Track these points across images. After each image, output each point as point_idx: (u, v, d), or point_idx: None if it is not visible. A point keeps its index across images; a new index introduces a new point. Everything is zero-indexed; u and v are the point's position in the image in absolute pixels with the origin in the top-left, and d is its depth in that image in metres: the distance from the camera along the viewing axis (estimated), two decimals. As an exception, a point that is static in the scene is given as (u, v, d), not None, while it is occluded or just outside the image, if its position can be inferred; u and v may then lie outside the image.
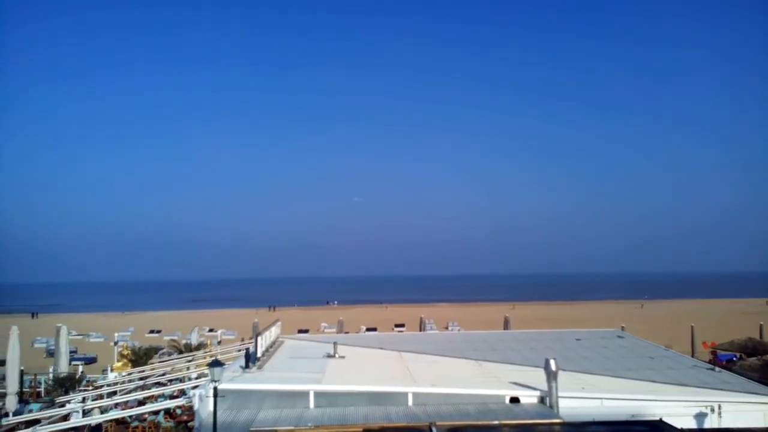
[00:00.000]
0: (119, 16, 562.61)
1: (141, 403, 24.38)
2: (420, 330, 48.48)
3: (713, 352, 37.11)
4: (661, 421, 14.37)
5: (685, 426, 14.52)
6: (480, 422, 14.80)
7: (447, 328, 62.16)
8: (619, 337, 27.48)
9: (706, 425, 15.94)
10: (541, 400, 16.52)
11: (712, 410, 16.20)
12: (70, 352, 38.09)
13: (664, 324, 65.33)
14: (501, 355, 23.21)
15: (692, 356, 30.34)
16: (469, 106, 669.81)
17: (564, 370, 17.74)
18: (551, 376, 16.01)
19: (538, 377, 17.03)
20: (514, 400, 16.72)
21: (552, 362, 15.97)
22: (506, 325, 42.27)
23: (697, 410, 16.18)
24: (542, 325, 54.98)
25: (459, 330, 54.74)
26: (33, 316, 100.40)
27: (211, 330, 63.70)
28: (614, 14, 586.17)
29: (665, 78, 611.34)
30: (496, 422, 14.76)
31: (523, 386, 17.22)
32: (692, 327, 40.42)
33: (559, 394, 16.00)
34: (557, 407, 15.79)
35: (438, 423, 14.40)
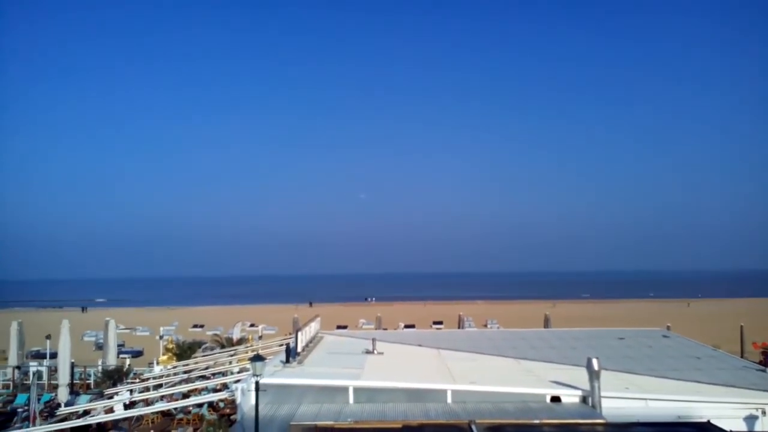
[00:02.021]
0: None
1: (185, 395, 25.03)
2: (458, 327, 48.21)
3: (764, 353, 35.90)
4: (709, 423, 13.96)
5: (734, 429, 14.07)
6: (520, 421, 14.66)
7: (486, 325, 61.58)
8: (665, 336, 26.80)
9: (757, 428, 15.43)
10: (583, 399, 16.26)
11: (763, 413, 15.66)
12: (118, 345, 39.25)
13: (712, 323, 63.31)
14: (541, 353, 22.92)
15: (741, 357, 29.38)
16: (479, 103, 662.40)
17: (607, 369, 17.38)
18: (593, 375, 15.72)
19: (580, 376, 16.75)
20: (555, 399, 16.50)
21: (594, 361, 15.68)
22: (546, 323, 41.69)
23: (746, 413, 15.67)
24: (583, 323, 53.86)
25: (498, 328, 54.18)
26: (83, 311, 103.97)
27: (252, 325, 64.71)
28: (622, 10, 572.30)
29: (673, 75, 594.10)
30: (537, 421, 14.59)
31: (565, 385, 16.97)
32: (741, 326, 39.05)
33: (602, 393, 15.70)
34: (600, 407, 15.51)
35: (478, 421, 14.33)
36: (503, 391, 16.73)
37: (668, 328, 30.96)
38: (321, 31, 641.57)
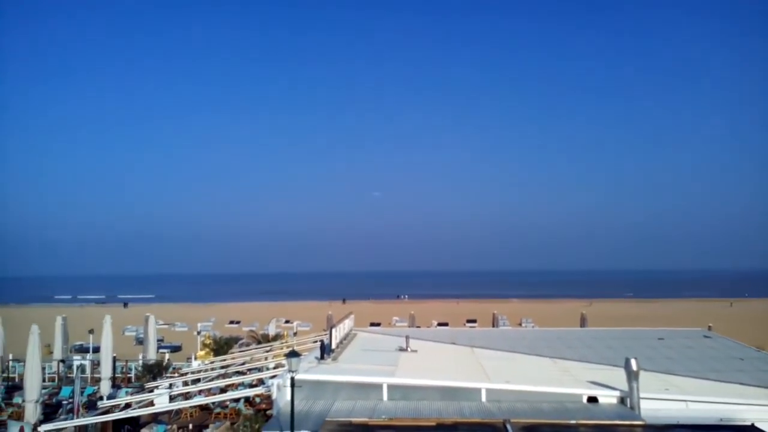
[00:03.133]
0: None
1: (223, 390, 25.50)
2: (492, 326, 47.92)
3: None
4: (753, 426, 13.59)
5: (780, 433, 13.65)
6: (556, 421, 14.51)
7: (520, 324, 61.17)
8: (706, 336, 26.14)
9: (804, 433, 14.91)
10: (621, 400, 15.99)
11: (811, 417, 15.12)
12: (158, 340, 40.17)
13: (756, 324, 61.37)
14: (577, 353, 22.61)
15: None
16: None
17: (645, 370, 17.04)
18: (632, 375, 15.44)
19: (618, 377, 16.48)
20: (592, 399, 16.27)
21: (633, 361, 15.40)
22: (583, 323, 41.15)
23: (793, 416, 15.15)
24: (621, 323, 52.95)
25: (533, 326, 53.72)
26: (124, 306, 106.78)
27: (287, 321, 65.70)
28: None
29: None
30: (573, 422, 14.42)
31: (602, 386, 16.72)
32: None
33: (641, 395, 15.42)
34: (638, 408, 15.23)
35: (513, 420, 14.24)
36: (539, 390, 16.58)
37: (709, 328, 30.16)
38: (329, 30, 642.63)
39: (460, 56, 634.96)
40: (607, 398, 16.20)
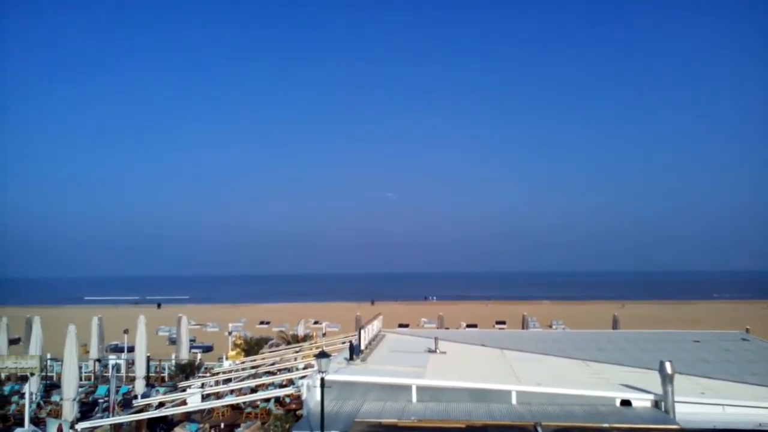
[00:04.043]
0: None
1: (253, 390, 25.80)
2: (522, 328, 47.42)
3: None
4: (794, 432, 13.20)
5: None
6: (588, 424, 14.32)
7: (551, 326, 60.41)
8: (744, 339, 25.49)
9: None
10: (656, 404, 15.70)
11: None
12: (190, 340, 40.82)
13: (796, 327, 59.44)
14: (610, 355, 22.27)
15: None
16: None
17: (680, 373, 16.72)
18: (666, 379, 15.14)
19: (652, 380, 16.18)
20: (625, 402, 16.00)
21: (667, 364, 15.09)
22: (615, 325, 40.47)
23: (836, 423, 14.67)
24: (655, 325, 51.90)
25: (564, 328, 53.05)
26: (158, 307, 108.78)
27: (316, 322, 66.09)
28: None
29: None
30: (606, 425, 14.22)
31: (635, 389, 16.43)
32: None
33: (676, 398, 15.12)
34: (673, 412, 14.93)
35: (543, 423, 14.10)
36: (570, 393, 16.37)
37: (747, 330, 29.34)
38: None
39: (468, 56, 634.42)
40: (641, 402, 15.92)
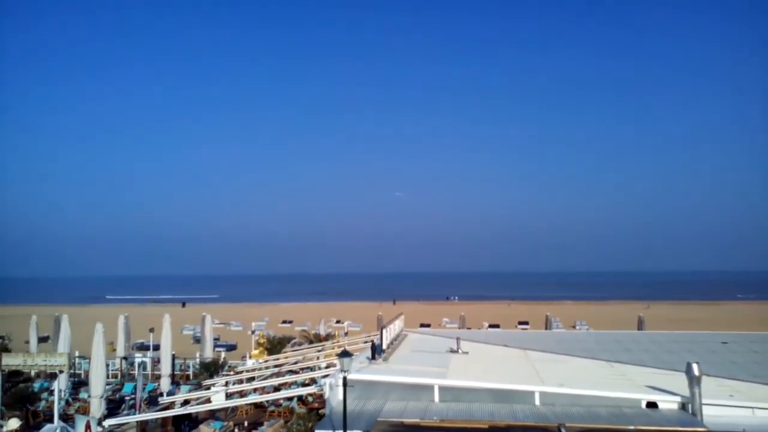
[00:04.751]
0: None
1: (276, 389, 26.01)
2: (545, 328, 47.03)
3: None
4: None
5: None
6: (613, 426, 14.15)
7: (574, 326, 59.81)
8: (774, 341, 24.93)
9: None
10: (682, 406, 15.45)
11: None
12: (214, 339, 41.26)
13: (829, 328, 57.95)
14: (635, 356, 21.98)
15: None
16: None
17: (708, 375, 16.42)
18: (694, 380, 14.88)
19: (678, 382, 15.93)
20: (651, 405, 15.77)
21: (695, 366, 14.84)
22: (640, 326, 39.94)
23: None
24: (681, 326, 51.00)
25: (587, 329, 52.46)
26: (182, 306, 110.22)
27: (337, 321, 66.29)
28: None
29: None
30: (632, 427, 14.04)
31: (661, 390, 16.19)
32: None
33: (703, 400, 14.85)
34: (701, 415, 14.67)
35: (568, 424, 13.97)
36: (595, 394, 16.18)
37: (778, 332, 28.73)
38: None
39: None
40: (668, 404, 15.68)
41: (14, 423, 21.45)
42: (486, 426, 14.50)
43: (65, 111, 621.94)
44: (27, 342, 39.68)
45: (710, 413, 14.78)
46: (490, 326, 53.96)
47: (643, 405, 15.79)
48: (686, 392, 15.22)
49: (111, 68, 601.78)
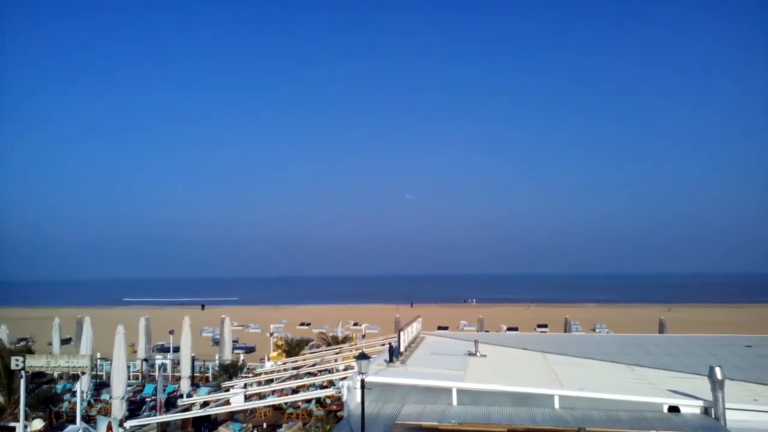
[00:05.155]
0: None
1: (294, 391, 26.08)
2: (565, 331, 46.58)
3: None
4: None
5: None
6: (634, 430, 13.99)
7: (594, 329, 59.15)
8: (799, 345, 24.44)
9: None
10: (705, 410, 15.20)
11: None
12: (233, 341, 41.53)
13: None
14: (656, 360, 21.69)
15: None
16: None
17: (732, 379, 16.16)
18: (717, 384, 14.65)
19: (701, 386, 15.70)
20: (673, 409, 15.55)
21: (718, 370, 14.61)
22: (661, 329, 39.34)
23: None
24: (703, 329, 50.21)
25: (607, 332, 51.88)
26: (202, 308, 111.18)
27: (355, 324, 66.37)
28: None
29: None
30: (653, 432, 13.85)
31: (684, 395, 15.96)
32: None
33: (727, 405, 14.62)
34: (724, 419, 14.44)
35: (588, 428, 13.83)
36: (615, 398, 15.99)
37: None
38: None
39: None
40: (690, 408, 15.44)
41: (38, 423, 21.82)
42: (505, 429, 14.41)
43: (83, 110, 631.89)
44: (50, 344, 40.27)
45: (734, 418, 14.54)
46: (509, 329, 53.54)
47: (665, 409, 15.58)
48: (709, 396, 14.99)
49: (116, 70, 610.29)
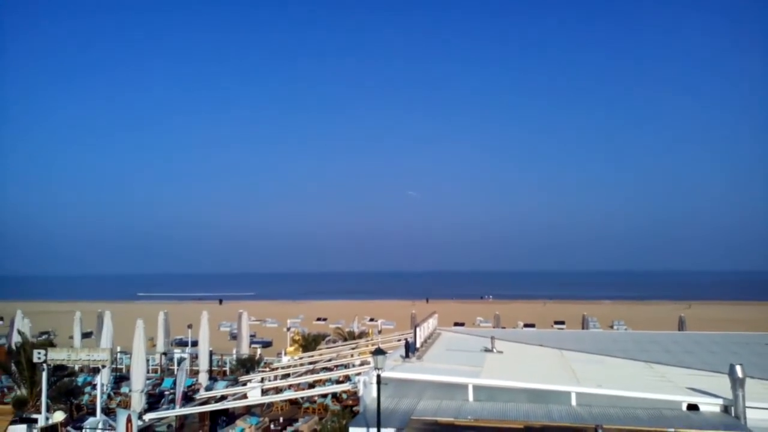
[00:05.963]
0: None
1: (311, 386, 26.23)
2: (582, 328, 46.27)
3: None
4: None
5: None
6: (653, 429, 13.88)
7: (612, 326, 58.70)
8: (823, 343, 24.02)
9: None
10: (725, 409, 15.02)
11: None
12: (250, 336, 41.84)
13: None
14: (675, 357, 21.46)
15: None
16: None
17: (752, 377, 15.93)
18: (737, 383, 14.46)
19: (721, 384, 15.52)
20: (693, 407, 15.38)
21: (738, 368, 14.42)
22: (681, 326, 38.96)
23: None
24: (724, 326, 49.54)
25: (625, 329, 51.46)
26: (219, 303, 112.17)
27: (371, 319, 66.49)
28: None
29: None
30: (672, 430, 13.74)
31: (703, 393, 15.78)
32: None
33: (747, 403, 14.42)
34: (744, 418, 14.26)
35: (605, 426, 13.73)
36: (633, 396, 15.86)
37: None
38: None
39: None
40: (709, 406, 15.27)
41: (59, 415, 22.19)
42: (521, 426, 14.37)
43: (80, 110, 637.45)
44: (71, 337, 40.89)
45: (754, 416, 14.35)
46: (525, 326, 53.36)
47: (684, 407, 15.42)
48: (729, 395, 14.81)
49: (116, 70, 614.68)
